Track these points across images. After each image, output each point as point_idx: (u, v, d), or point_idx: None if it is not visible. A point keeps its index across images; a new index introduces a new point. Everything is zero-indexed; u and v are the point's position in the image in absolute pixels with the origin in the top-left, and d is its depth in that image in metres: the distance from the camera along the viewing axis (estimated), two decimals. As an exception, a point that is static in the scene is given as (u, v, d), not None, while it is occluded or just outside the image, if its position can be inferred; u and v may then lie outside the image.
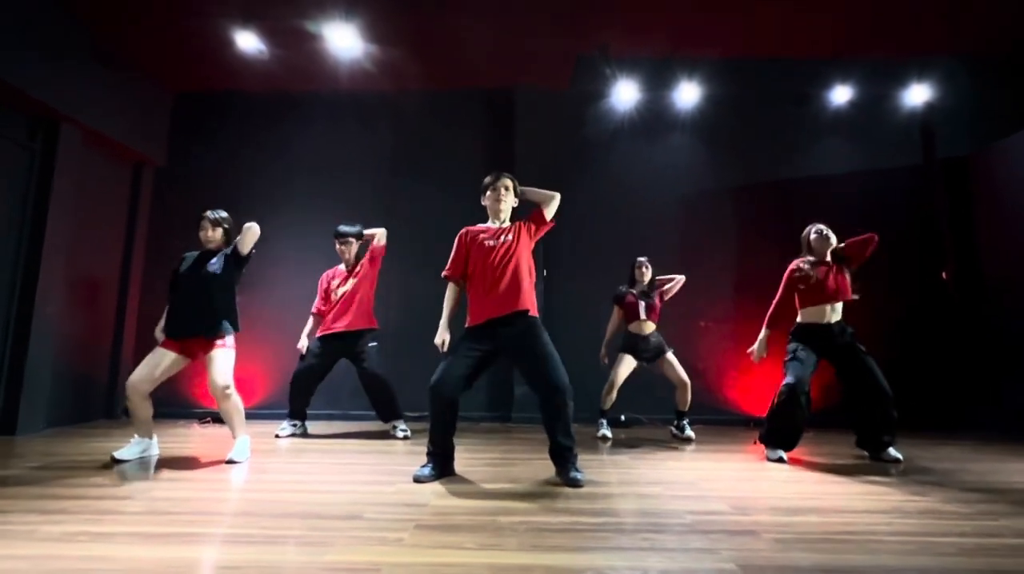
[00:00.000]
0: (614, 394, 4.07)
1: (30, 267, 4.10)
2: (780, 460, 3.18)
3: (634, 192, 5.29)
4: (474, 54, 4.88)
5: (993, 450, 3.62)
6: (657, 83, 5.24)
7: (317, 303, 4.13)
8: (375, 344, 4.09)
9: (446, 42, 4.71)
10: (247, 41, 4.52)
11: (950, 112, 5.22)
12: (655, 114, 5.36)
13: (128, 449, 3.02)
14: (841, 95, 5.23)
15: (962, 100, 5.22)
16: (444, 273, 2.90)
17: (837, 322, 3.33)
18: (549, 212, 2.89)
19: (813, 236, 3.45)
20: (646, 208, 5.21)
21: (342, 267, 4.13)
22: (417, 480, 2.58)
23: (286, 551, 1.67)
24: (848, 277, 3.37)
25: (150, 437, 3.12)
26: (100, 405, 4.88)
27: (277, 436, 3.90)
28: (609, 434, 4.05)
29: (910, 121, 5.31)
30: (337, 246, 4.07)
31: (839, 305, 3.35)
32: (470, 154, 5.33)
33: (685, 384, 4.01)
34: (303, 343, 4.03)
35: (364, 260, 4.07)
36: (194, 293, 3.06)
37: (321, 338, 3.97)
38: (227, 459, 3.01)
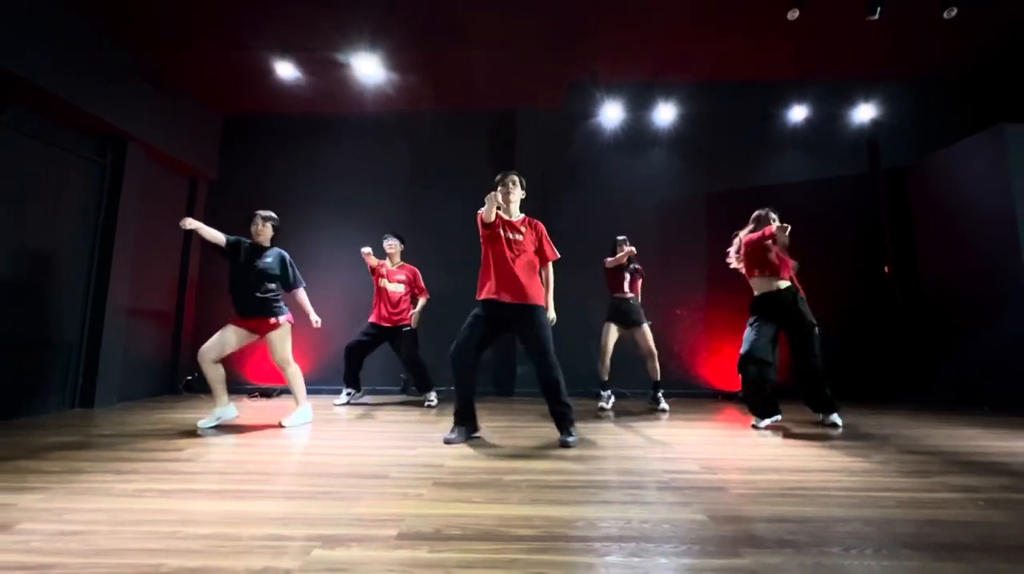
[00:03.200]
0: (607, 362, 3.99)
1: (103, 265, 4.12)
2: (758, 427, 3.15)
3: (619, 199, 5.27)
4: (480, 79, 4.86)
5: (926, 418, 3.62)
6: (639, 104, 5.20)
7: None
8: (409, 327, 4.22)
9: (456, 69, 4.69)
10: (284, 70, 4.50)
11: (893, 128, 5.17)
12: (638, 131, 5.33)
13: (208, 419, 3.11)
14: (798, 113, 5.18)
15: (904, 117, 5.17)
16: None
17: (787, 288, 3.19)
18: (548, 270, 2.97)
19: (776, 227, 3.09)
20: (630, 213, 5.19)
21: (389, 264, 4.30)
22: (448, 442, 2.66)
23: (323, 505, 1.69)
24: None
25: (226, 405, 3.19)
26: (165, 382, 4.91)
27: (335, 405, 4.10)
28: (607, 406, 3.98)
29: (858, 136, 5.27)
30: (385, 244, 4.30)
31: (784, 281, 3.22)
32: (477, 167, 5.31)
33: (653, 354, 3.99)
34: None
35: (412, 280, 4.29)
36: (253, 283, 3.19)
37: (372, 324, 4.19)
38: (280, 422, 3.16)
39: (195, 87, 4.88)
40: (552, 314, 2.90)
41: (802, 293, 3.24)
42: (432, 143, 5.46)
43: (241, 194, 5.31)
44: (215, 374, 3.12)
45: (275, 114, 5.42)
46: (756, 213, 3.41)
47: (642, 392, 4.66)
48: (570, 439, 2.63)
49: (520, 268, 2.78)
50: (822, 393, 3.21)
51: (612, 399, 4.09)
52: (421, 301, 4.27)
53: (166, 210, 4.93)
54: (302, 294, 3.43)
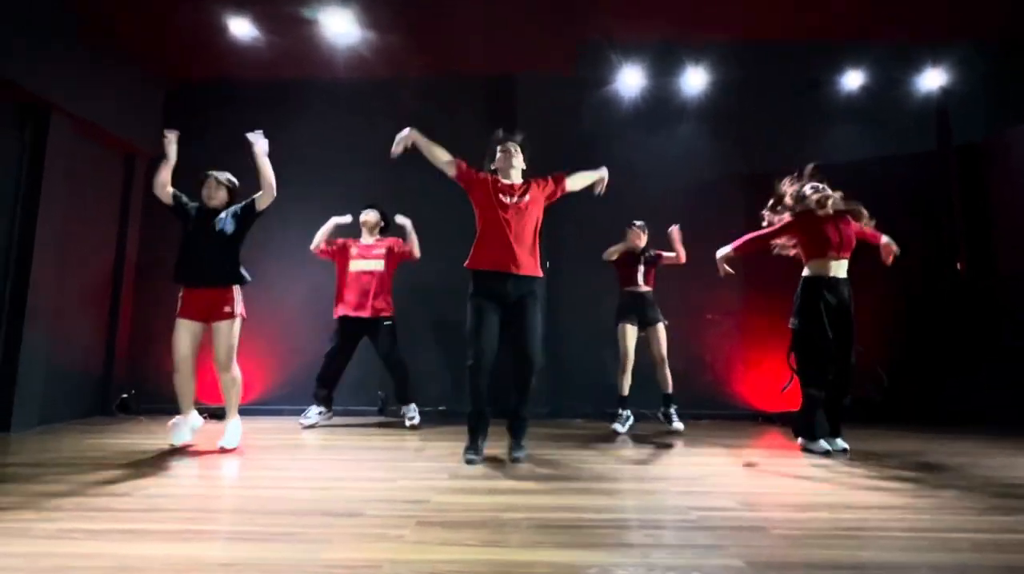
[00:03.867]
0: (629, 371, 4.01)
1: (22, 260, 4.10)
2: (826, 453, 3.17)
3: (639, 181, 5.24)
4: (474, 40, 4.85)
5: (1008, 444, 3.61)
6: (662, 69, 5.19)
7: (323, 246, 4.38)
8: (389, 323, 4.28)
9: (445, 28, 4.68)
10: (241, 28, 4.50)
11: (965, 97, 5.17)
12: (660, 101, 5.32)
13: (180, 431, 3.19)
14: (853, 80, 5.18)
15: (977, 85, 5.17)
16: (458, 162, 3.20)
17: (844, 279, 3.27)
18: (577, 186, 3.17)
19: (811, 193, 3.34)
20: (651, 197, 5.17)
21: (364, 239, 4.36)
22: (470, 462, 2.80)
23: (284, 549, 1.68)
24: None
25: (190, 412, 3.29)
26: (95, 401, 4.89)
27: (303, 425, 4.13)
28: (622, 429, 3.97)
29: (924, 106, 5.27)
30: (361, 216, 4.39)
31: (842, 262, 3.27)
32: (471, 143, 5.26)
33: (664, 360, 4.02)
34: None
35: (393, 246, 4.30)
36: (206, 248, 3.23)
37: (340, 319, 4.23)
38: (218, 446, 3.15)
39: (134, 49, 4.87)
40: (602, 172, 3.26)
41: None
42: (418, 114, 5.43)
43: (187, 174, 5.22)
44: (191, 387, 3.23)
45: (229, 80, 5.40)
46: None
47: (689, 414, 4.69)
48: (520, 454, 2.88)
49: (518, 237, 2.91)
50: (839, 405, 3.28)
51: (631, 420, 4.08)
52: (413, 239, 4.34)
53: (97, 195, 4.92)
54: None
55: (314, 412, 4.17)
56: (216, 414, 4.67)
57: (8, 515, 1.97)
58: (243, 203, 3.38)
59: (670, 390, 4.04)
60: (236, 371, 3.29)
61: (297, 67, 5.14)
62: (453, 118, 5.42)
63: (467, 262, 3.01)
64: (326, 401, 4.22)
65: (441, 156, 3.17)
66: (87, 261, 4.82)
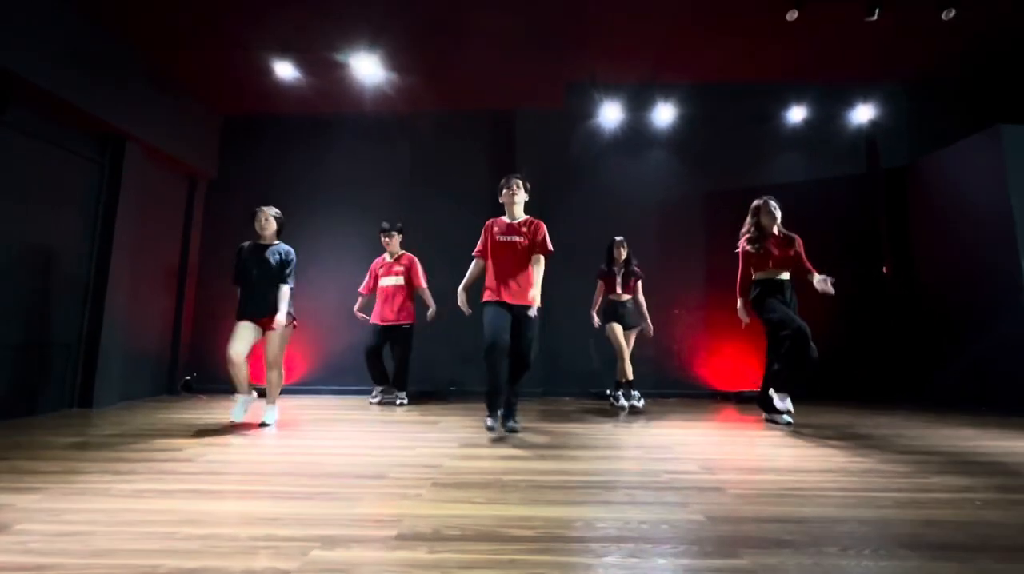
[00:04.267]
0: (627, 362, 3.94)
1: (101, 264, 4.11)
2: (789, 412, 3.17)
3: (618, 200, 5.27)
4: (479, 80, 4.85)
5: (923, 419, 3.62)
6: (638, 105, 5.21)
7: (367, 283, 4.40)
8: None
9: (456, 70, 4.68)
10: (284, 69, 4.50)
11: (891, 129, 5.19)
12: (637, 132, 5.33)
13: (238, 408, 3.18)
14: (796, 115, 5.20)
15: (901, 118, 5.18)
16: (474, 252, 3.12)
17: (787, 281, 3.30)
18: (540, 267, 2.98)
19: (764, 216, 3.32)
20: (629, 214, 5.19)
21: (388, 258, 4.34)
22: (491, 429, 2.84)
23: (321, 505, 1.68)
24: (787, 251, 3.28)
25: (249, 393, 3.26)
26: (163, 382, 4.90)
27: (371, 402, 4.24)
28: (626, 404, 3.93)
29: (856, 137, 5.28)
30: (382, 239, 4.34)
31: (786, 273, 3.31)
32: (477, 168, 5.32)
33: (627, 357, 3.96)
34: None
35: (408, 268, 4.29)
36: (261, 282, 3.18)
37: (372, 326, 4.25)
38: (260, 422, 3.18)
39: (195, 86, 4.87)
40: (537, 302, 2.91)
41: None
42: (432, 144, 5.46)
43: (240, 194, 5.30)
44: (246, 374, 3.19)
45: (275, 114, 5.42)
46: (754, 203, 3.40)
47: (659, 393, 4.73)
48: (515, 425, 2.92)
49: (518, 270, 2.90)
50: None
51: (642, 400, 3.99)
52: (427, 298, 4.24)
53: (164, 209, 4.93)
54: (285, 291, 3.24)
55: (377, 390, 4.30)
56: (261, 392, 4.71)
57: (91, 478, 1.98)
58: (286, 259, 3.27)
59: (625, 379, 3.98)
60: (279, 369, 3.28)
61: (331, 103, 5.14)
62: (461, 147, 5.44)
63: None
64: (380, 380, 4.28)
65: (475, 273, 3.12)
66: (156, 264, 4.83)
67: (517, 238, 2.95)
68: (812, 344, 3.02)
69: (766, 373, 3.35)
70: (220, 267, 4.98)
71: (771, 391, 3.28)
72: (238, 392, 3.22)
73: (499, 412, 2.92)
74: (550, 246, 3.00)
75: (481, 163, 5.36)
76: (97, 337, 4.02)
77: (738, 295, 3.47)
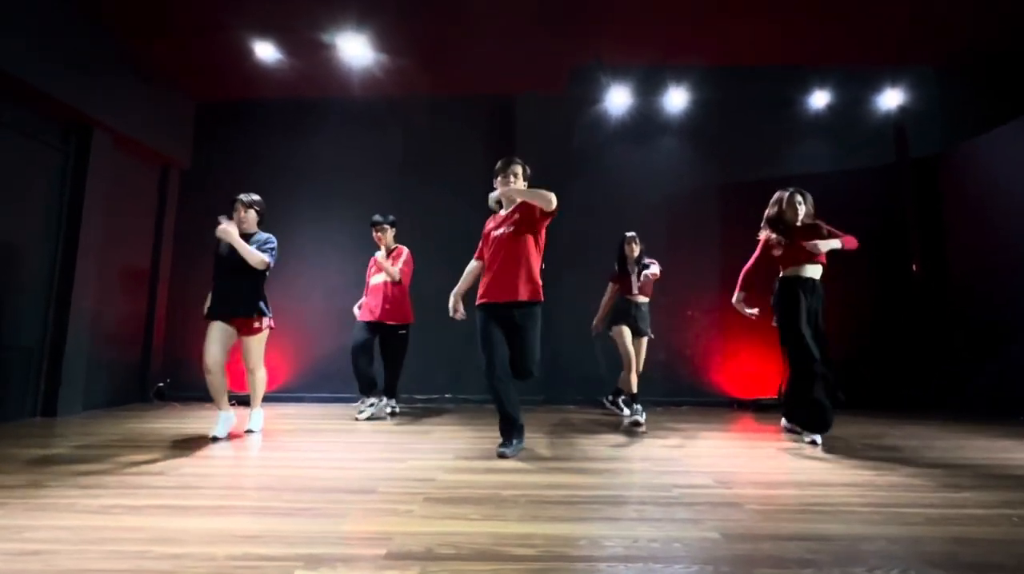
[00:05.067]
0: (634, 372, 3.76)
1: (66, 261, 4.10)
2: (812, 443, 3.01)
3: (626, 192, 5.27)
4: (478, 63, 4.85)
5: (957, 429, 3.63)
6: (648, 90, 5.21)
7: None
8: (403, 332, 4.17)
9: (451, 51, 4.68)
10: (264, 51, 4.49)
11: (921, 115, 5.19)
12: (646, 119, 5.33)
13: (220, 426, 3.07)
14: (819, 100, 5.20)
15: (932, 105, 5.18)
16: (475, 255, 3.00)
17: (816, 281, 3.14)
18: (543, 206, 2.69)
19: (788, 210, 3.21)
20: (637, 207, 5.19)
21: (381, 255, 4.14)
22: (502, 456, 2.63)
23: (305, 522, 1.68)
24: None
25: (228, 408, 3.15)
26: (134, 389, 4.89)
27: (357, 418, 3.92)
28: (641, 419, 3.59)
29: (883, 124, 5.28)
30: (374, 234, 4.15)
31: (815, 269, 3.15)
32: (474, 157, 5.31)
33: (637, 368, 3.81)
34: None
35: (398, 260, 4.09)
36: (234, 276, 3.10)
37: (361, 323, 4.11)
38: (246, 429, 3.17)
39: (167, 70, 4.87)
40: (513, 190, 2.74)
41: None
42: (425, 131, 5.45)
43: (216, 185, 5.29)
44: (224, 384, 3.10)
45: (254, 99, 5.41)
46: (777, 194, 3.30)
47: (671, 401, 4.70)
48: (505, 451, 2.64)
49: (509, 263, 2.71)
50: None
51: (644, 414, 3.68)
52: (391, 272, 4.00)
53: (135, 202, 4.92)
54: (260, 254, 3.10)
55: (365, 403, 4.00)
56: (242, 401, 4.69)
57: (55, 492, 1.97)
58: (263, 246, 3.16)
59: (630, 391, 3.77)
60: (262, 371, 3.30)
61: (316, 87, 5.14)
62: (457, 134, 5.43)
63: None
64: (368, 389, 4.03)
65: (470, 277, 2.99)
66: (126, 262, 4.82)
67: (510, 228, 2.76)
68: (838, 394, 2.99)
69: (787, 384, 3.28)
70: (195, 265, 4.98)
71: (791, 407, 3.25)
72: (217, 407, 3.12)
73: (514, 441, 2.71)
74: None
75: (478, 151, 5.35)
76: (62, 340, 4.01)
77: (738, 286, 3.40)
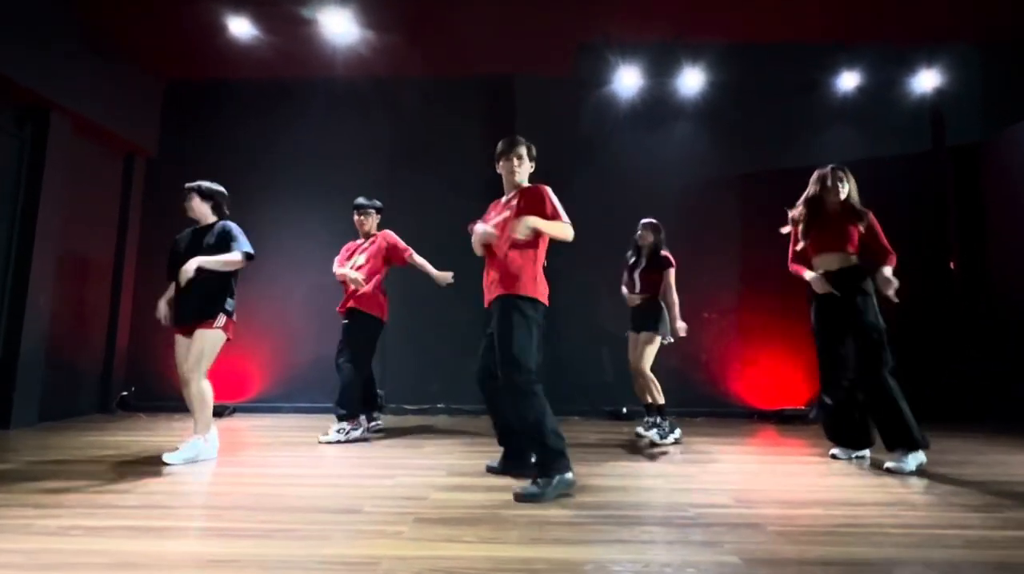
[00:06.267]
0: (653, 380, 3.64)
1: (21, 258, 4.09)
2: (834, 456, 3.06)
3: (636, 181, 5.26)
4: (473, 41, 4.84)
5: (1000, 443, 3.63)
6: (660, 70, 5.20)
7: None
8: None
9: (444, 28, 4.67)
10: (240, 27, 4.49)
11: (960, 99, 5.19)
12: (658, 102, 5.32)
13: (177, 451, 2.87)
14: (849, 81, 5.19)
15: (972, 87, 5.18)
16: None
17: (849, 271, 3.00)
18: (563, 238, 2.58)
19: (830, 185, 3.10)
20: (648, 197, 5.17)
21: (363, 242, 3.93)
22: (488, 469, 2.66)
23: (283, 545, 1.68)
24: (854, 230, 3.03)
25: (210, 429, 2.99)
26: (95, 399, 4.88)
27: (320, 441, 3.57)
28: (644, 432, 3.58)
29: (919, 108, 5.28)
30: (355, 217, 3.92)
31: (847, 260, 3.02)
32: (469, 143, 5.30)
33: (638, 372, 3.67)
34: None
35: (383, 249, 3.86)
36: (191, 279, 2.87)
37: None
38: (163, 455, 2.84)
39: (133, 49, 4.86)
40: (528, 223, 2.41)
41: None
42: (416, 115, 5.45)
43: (186, 173, 5.16)
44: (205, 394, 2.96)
45: (227, 80, 5.40)
46: (817, 172, 3.21)
47: (686, 412, 4.64)
48: (527, 491, 2.23)
49: (495, 257, 2.58)
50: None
51: (652, 431, 3.59)
52: (425, 267, 3.81)
53: (97, 192, 4.91)
54: (229, 256, 2.98)
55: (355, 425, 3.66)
56: (216, 412, 4.67)
57: (9, 512, 1.97)
58: (220, 236, 3.02)
59: (647, 401, 3.69)
60: (204, 383, 2.96)
61: (296, 66, 5.13)
62: (451, 118, 5.42)
63: None
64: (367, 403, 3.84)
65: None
66: (87, 259, 4.81)
67: (505, 215, 2.62)
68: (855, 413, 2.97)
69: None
70: (163, 262, 4.95)
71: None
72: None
73: (505, 457, 2.66)
74: (564, 215, 2.58)
75: (474, 138, 5.34)
76: (16, 345, 4.00)
77: (795, 271, 3.25)
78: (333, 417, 3.56)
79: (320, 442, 3.43)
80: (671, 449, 3.38)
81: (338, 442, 3.44)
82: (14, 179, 4.13)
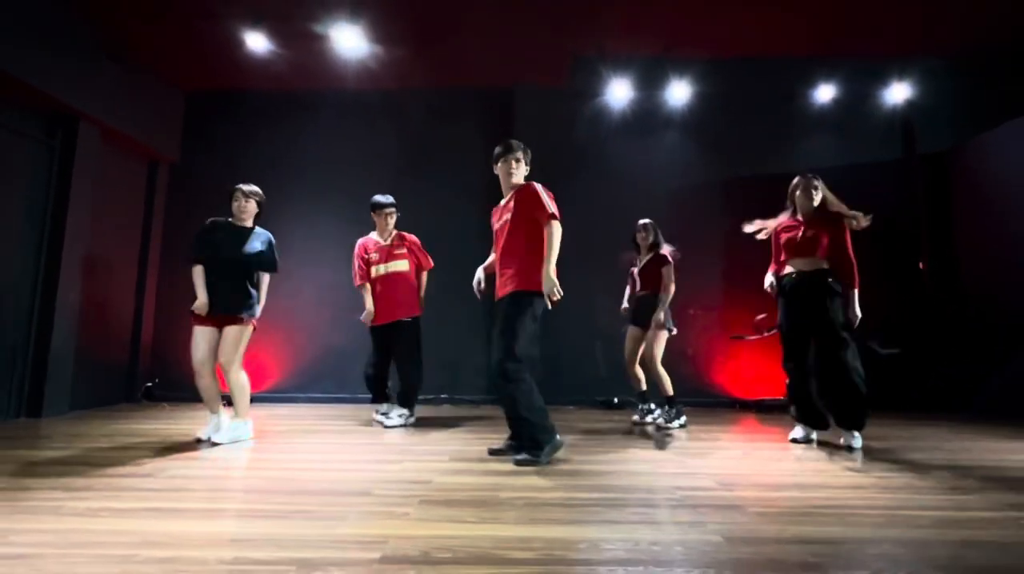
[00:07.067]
0: (633, 370, 3.78)
1: (52, 257, 4.09)
2: (794, 440, 3.12)
3: (627, 186, 5.26)
4: (475, 53, 4.84)
5: (966, 431, 3.64)
6: (650, 82, 5.20)
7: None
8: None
9: (448, 42, 4.67)
10: (256, 42, 4.48)
11: (930, 109, 5.19)
12: (648, 111, 5.32)
13: (210, 430, 3.02)
14: (825, 93, 5.20)
15: (942, 98, 5.18)
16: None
17: (815, 274, 3.02)
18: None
19: (799, 193, 3.16)
20: (639, 200, 5.16)
21: (381, 240, 3.85)
22: (492, 452, 2.70)
23: (299, 525, 1.68)
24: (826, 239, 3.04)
25: (218, 412, 3.07)
26: (121, 389, 4.88)
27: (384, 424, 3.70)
28: (639, 418, 3.78)
29: (891, 118, 5.28)
30: (382, 215, 3.84)
31: (814, 260, 3.03)
32: (471, 150, 5.30)
33: (646, 366, 3.71)
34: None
35: (415, 250, 3.86)
36: (235, 271, 3.07)
37: (372, 330, 3.80)
38: (206, 436, 2.98)
39: (156, 61, 4.84)
40: (552, 278, 2.50)
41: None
42: (421, 124, 5.44)
43: (206, 179, 5.27)
44: (217, 388, 3.05)
45: (245, 91, 5.39)
46: (794, 180, 3.23)
47: (701, 402, 4.65)
48: (525, 458, 2.47)
49: (504, 256, 2.67)
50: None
51: (656, 413, 3.80)
52: (424, 277, 3.85)
53: (123, 196, 4.91)
54: (267, 279, 3.25)
55: (389, 407, 3.83)
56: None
57: (41, 494, 1.97)
58: (269, 246, 3.21)
59: (642, 388, 3.86)
60: (241, 374, 3.09)
61: (308, 78, 5.12)
62: (454, 127, 5.42)
63: None
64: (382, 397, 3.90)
65: (491, 262, 2.93)
66: (114, 258, 4.80)
67: (507, 216, 2.68)
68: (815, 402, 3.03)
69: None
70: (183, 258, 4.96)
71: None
72: (209, 411, 3.07)
73: (509, 438, 2.69)
74: (550, 207, 2.57)
75: (476, 145, 5.34)
76: (47, 339, 4.00)
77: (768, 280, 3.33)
78: (372, 407, 3.92)
79: (384, 426, 3.63)
80: (659, 436, 3.39)
81: (397, 427, 3.63)
82: (45, 184, 4.13)
